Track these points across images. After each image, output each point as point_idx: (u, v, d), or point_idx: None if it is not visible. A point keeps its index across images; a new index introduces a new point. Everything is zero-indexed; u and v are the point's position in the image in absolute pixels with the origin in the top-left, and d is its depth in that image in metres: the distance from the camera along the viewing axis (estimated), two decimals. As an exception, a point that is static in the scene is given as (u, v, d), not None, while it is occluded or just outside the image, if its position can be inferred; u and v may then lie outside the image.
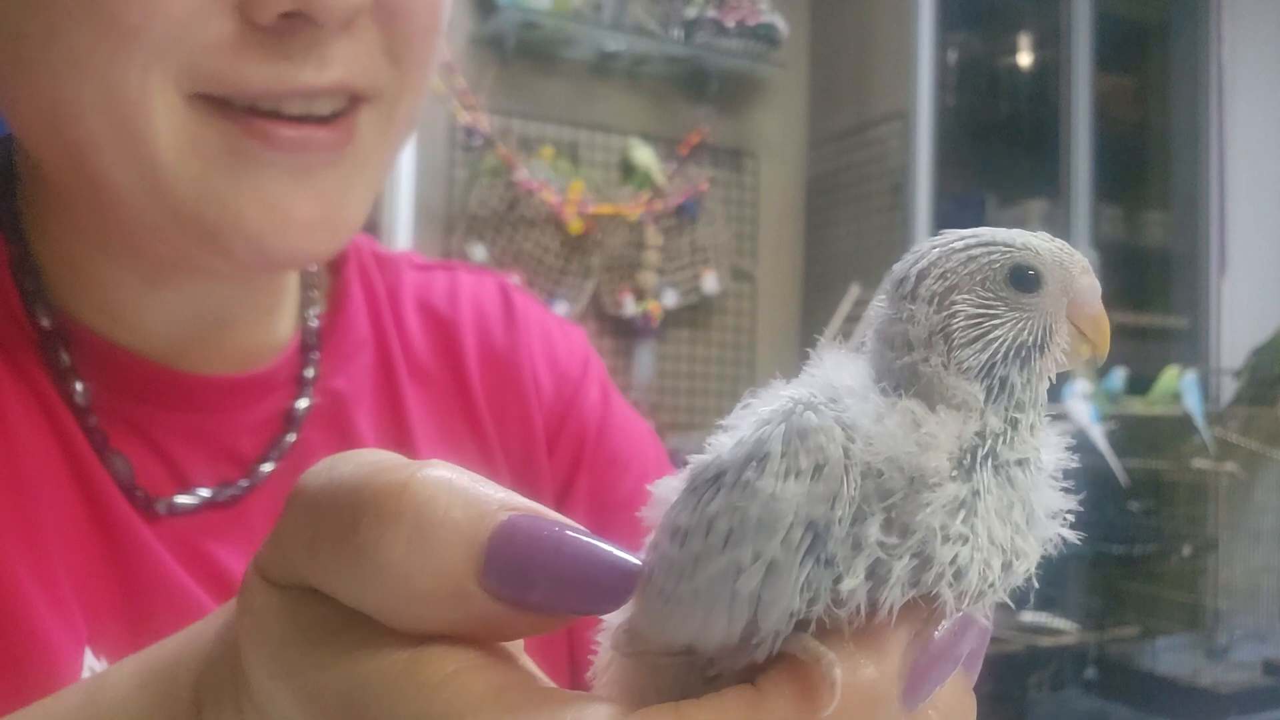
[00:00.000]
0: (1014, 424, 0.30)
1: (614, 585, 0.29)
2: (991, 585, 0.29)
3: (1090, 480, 2.84)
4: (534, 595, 0.28)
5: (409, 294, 0.73)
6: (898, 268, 0.32)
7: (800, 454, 0.28)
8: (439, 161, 2.92)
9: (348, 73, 0.55)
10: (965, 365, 0.30)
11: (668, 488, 0.31)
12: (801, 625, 0.28)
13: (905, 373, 0.30)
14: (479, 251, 2.90)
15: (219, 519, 0.61)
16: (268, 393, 0.64)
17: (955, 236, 0.32)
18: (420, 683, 0.27)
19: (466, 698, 0.27)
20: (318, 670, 0.29)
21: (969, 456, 0.29)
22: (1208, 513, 2.91)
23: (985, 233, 0.31)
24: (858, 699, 0.27)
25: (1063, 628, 2.80)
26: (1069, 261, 0.31)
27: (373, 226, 2.53)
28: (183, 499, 0.60)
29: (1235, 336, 3.46)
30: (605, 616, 0.31)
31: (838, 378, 0.30)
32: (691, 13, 3.13)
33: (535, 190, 2.95)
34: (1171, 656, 2.87)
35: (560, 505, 0.72)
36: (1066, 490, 0.31)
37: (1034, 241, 0.31)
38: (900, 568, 0.28)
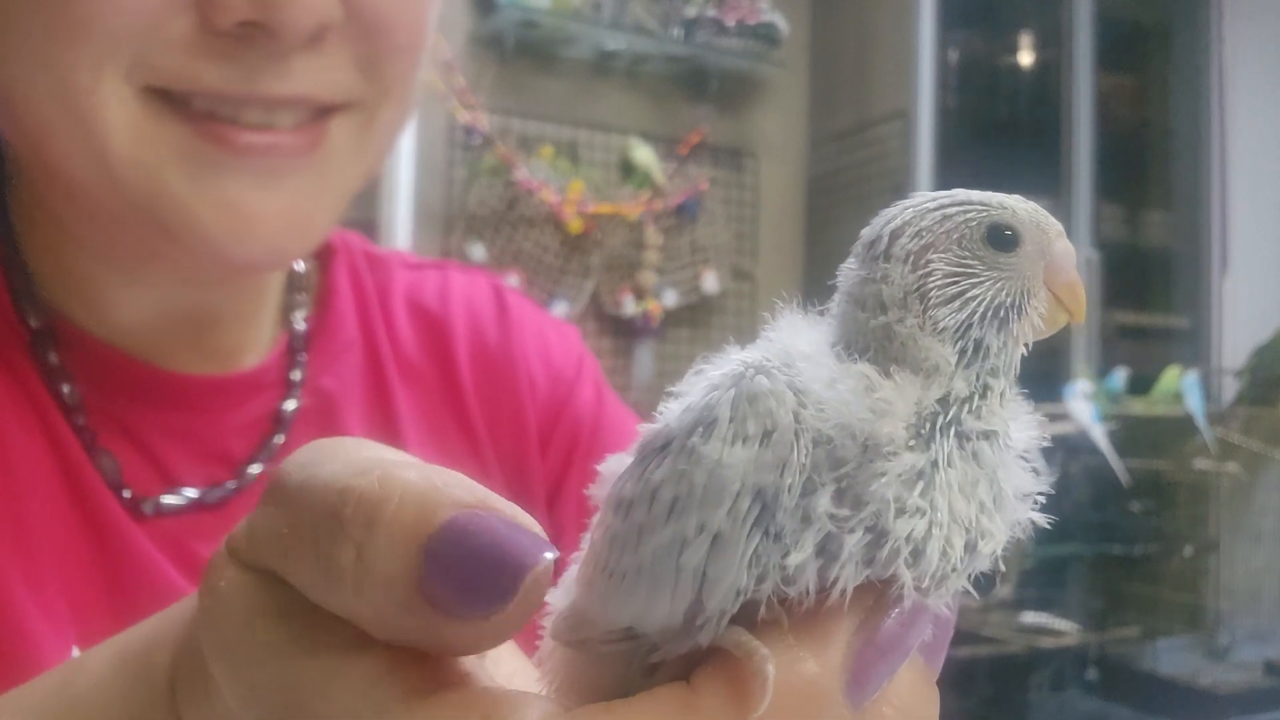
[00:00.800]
0: (985, 390, 0.29)
1: (502, 575, 0.25)
2: (954, 568, 0.27)
3: (1091, 480, 2.84)
4: (466, 601, 0.26)
5: (399, 293, 0.73)
6: (869, 229, 0.31)
7: (749, 419, 0.26)
8: (438, 160, 2.92)
9: (311, 87, 0.54)
10: (941, 325, 0.29)
11: (617, 463, 0.30)
12: (751, 607, 0.26)
13: (879, 334, 0.29)
14: (478, 251, 2.90)
15: (207, 520, 0.61)
16: (255, 393, 0.64)
17: (928, 197, 0.31)
18: (349, 685, 0.26)
19: (394, 701, 0.26)
20: (261, 659, 0.28)
21: (928, 425, 0.28)
22: (1209, 513, 2.91)
23: (959, 193, 0.30)
24: (797, 695, 0.25)
25: (1063, 629, 2.80)
26: (1045, 224, 0.30)
27: (371, 225, 2.53)
28: (170, 499, 0.60)
29: (1236, 336, 3.45)
30: (550, 602, 0.29)
31: (793, 342, 0.29)
32: (691, 12, 3.12)
33: (535, 190, 2.94)
34: (1172, 657, 2.86)
35: (551, 503, 0.72)
36: (1037, 471, 0.29)
37: (1010, 201, 0.30)
38: (852, 543, 0.26)
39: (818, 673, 0.26)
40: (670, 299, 3.16)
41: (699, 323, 3.30)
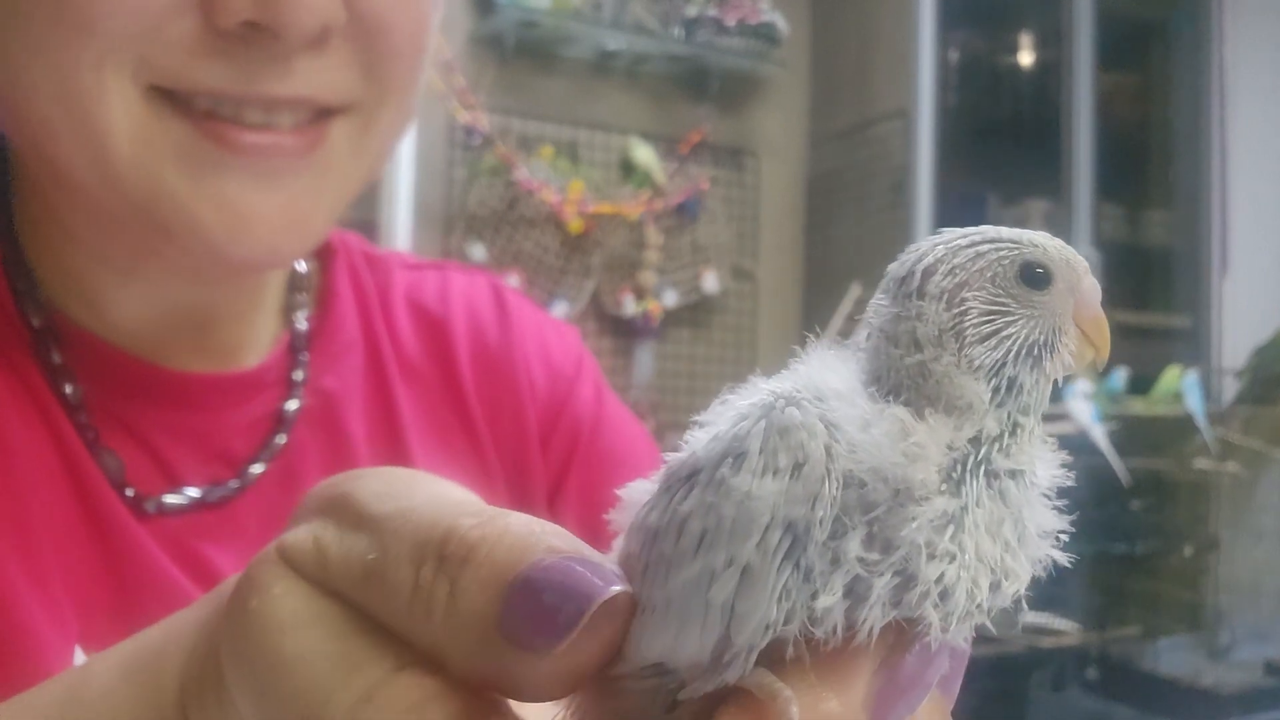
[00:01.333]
0: (1015, 429, 0.29)
1: (567, 606, 0.26)
2: (979, 606, 0.27)
3: (1092, 480, 2.84)
4: (534, 633, 0.26)
5: (399, 293, 0.73)
6: (898, 266, 0.31)
7: (779, 451, 0.26)
8: (438, 161, 2.92)
9: (313, 88, 0.54)
10: (977, 363, 0.29)
11: (638, 489, 0.30)
12: (778, 644, 0.26)
13: (913, 371, 0.29)
14: (478, 251, 2.90)
15: (210, 520, 0.61)
16: (256, 392, 0.64)
17: (958, 234, 0.31)
18: (384, 707, 0.27)
19: None
20: (295, 670, 0.28)
21: (959, 467, 0.28)
22: (1209, 512, 2.91)
23: (989, 230, 0.31)
24: None
25: (1064, 628, 2.80)
26: (1074, 261, 0.31)
27: (371, 226, 2.53)
28: (172, 499, 0.60)
29: (1237, 336, 3.45)
30: None
31: (824, 379, 0.29)
32: (692, 11, 3.12)
33: (535, 190, 2.94)
34: (1173, 656, 2.87)
35: (552, 502, 0.72)
36: (1060, 510, 0.29)
37: (1040, 239, 0.30)
38: (881, 586, 0.26)
39: (840, 713, 0.26)
40: (670, 299, 3.16)
41: (699, 323, 3.30)
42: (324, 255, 0.70)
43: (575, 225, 2.98)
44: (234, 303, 0.64)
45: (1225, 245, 3.60)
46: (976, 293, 0.30)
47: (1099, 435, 2.79)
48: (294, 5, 0.50)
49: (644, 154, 3.11)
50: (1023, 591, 0.28)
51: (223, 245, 0.54)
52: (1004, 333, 0.29)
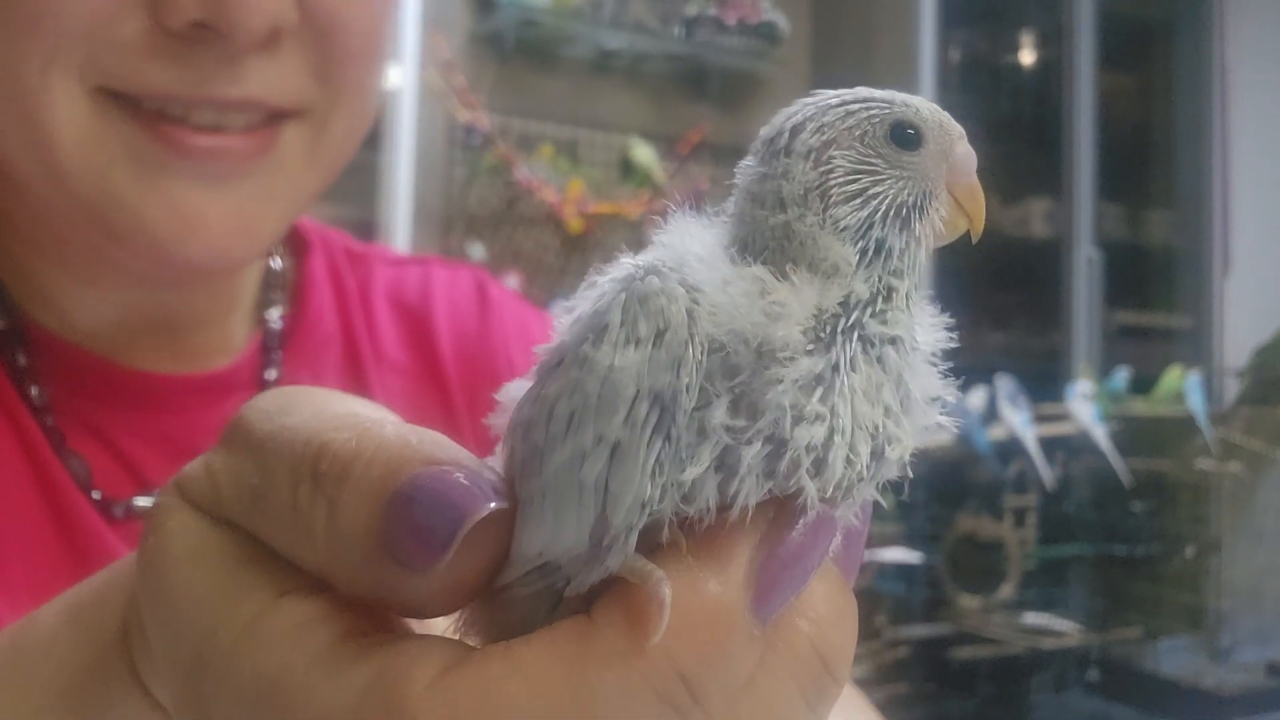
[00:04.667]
0: (889, 293, 0.28)
1: (442, 522, 0.25)
2: (860, 476, 0.26)
3: (1093, 481, 2.83)
4: (413, 550, 0.25)
5: (380, 289, 0.72)
6: (768, 128, 0.30)
7: (640, 320, 0.26)
8: (438, 160, 2.91)
9: (264, 90, 0.53)
10: (842, 224, 0.28)
11: (515, 389, 0.29)
12: (655, 530, 0.25)
13: (778, 233, 0.28)
14: (478, 250, 2.89)
15: None
16: (229, 393, 0.63)
17: (830, 94, 0.30)
18: (262, 638, 0.26)
19: (303, 653, 0.26)
20: (189, 604, 0.27)
21: (828, 328, 0.27)
22: (1211, 513, 2.90)
23: (862, 90, 0.30)
24: (699, 616, 0.25)
25: (1065, 629, 2.79)
26: (948, 125, 0.30)
27: (371, 225, 2.52)
28: (143, 502, 0.59)
29: (1239, 336, 3.44)
30: None
31: (684, 244, 0.28)
32: (692, 10, 3.12)
33: (535, 189, 2.94)
34: (1175, 658, 2.86)
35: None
36: (945, 374, 0.28)
37: (914, 100, 0.30)
38: (751, 455, 0.25)
39: (719, 591, 0.25)
40: (671, 298, 3.16)
41: (699, 322, 3.29)
42: (299, 251, 0.70)
43: (575, 225, 2.97)
44: (202, 306, 0.63)
45: (1227, 245, 3.59)
46: (844, 151, 0.29)
47: (1100, 435, 2.78)
48: (243, 5, 0.49)
49: (644, 153, 3.10)
50: (908, 457, 0.27)
51: (170, 248, 0.53)
52: (870, 192, 0.29)
